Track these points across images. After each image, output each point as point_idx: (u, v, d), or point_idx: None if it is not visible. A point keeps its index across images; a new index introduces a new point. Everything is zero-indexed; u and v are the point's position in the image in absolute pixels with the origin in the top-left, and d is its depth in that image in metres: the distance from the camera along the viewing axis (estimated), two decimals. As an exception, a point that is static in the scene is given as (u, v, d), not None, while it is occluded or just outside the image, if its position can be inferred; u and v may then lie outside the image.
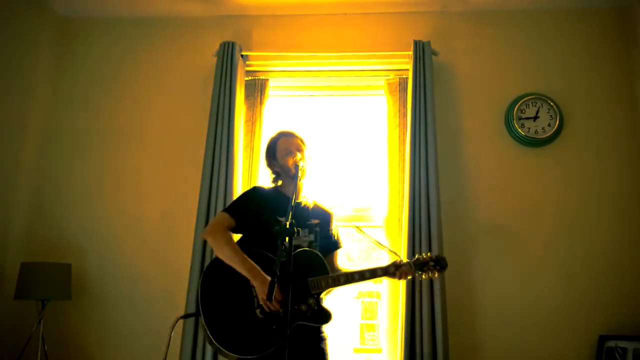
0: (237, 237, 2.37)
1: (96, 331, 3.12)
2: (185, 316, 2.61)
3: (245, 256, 2.17)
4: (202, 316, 2.12)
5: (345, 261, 2.60)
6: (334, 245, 2.48)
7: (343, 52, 3.35)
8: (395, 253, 2.42)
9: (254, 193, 2.45)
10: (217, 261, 2.23)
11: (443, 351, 2.74)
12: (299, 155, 2.38)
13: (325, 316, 2.16)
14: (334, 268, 2.43)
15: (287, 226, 1.88)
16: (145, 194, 3.31)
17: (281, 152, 2.43)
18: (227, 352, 2.07)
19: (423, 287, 2.83)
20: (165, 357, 2.33)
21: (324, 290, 2.18)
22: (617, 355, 2.74)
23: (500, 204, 3.14)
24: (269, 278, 2.08)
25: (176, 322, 2.34)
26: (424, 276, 2.31)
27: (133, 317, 3.12)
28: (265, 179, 3.18)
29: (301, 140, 2.48)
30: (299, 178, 2.25)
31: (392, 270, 2.28)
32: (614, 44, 3.31)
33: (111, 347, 3.08)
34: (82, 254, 3.21)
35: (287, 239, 1.88)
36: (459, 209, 3.13)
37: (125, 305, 3.14)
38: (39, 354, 2.83)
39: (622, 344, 2.76)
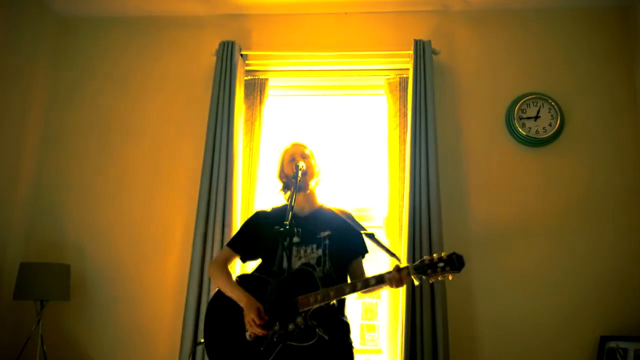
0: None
1: (95, 331, 3.11)
2: (198, 344, 2.75)
3: (235, 283, 2.23)
4: (204, 343, 2.20)
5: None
6: (353, 253, 2.35)
7: (343, 51, 3.34)
8: (397, 257, 2.24)
9: (253, 220, 2.46)
10: (219, 292, 2.29)
11: (443, 352, 2.73)
12: (301, 163, 2.31)
13: (311, 335, 2.06)
14: (358, 277, 2.28)
15: (287, 226, 1.88)
16: (144, 193, 3.30)
17: (286, 160, 2.41)
18: None
19: (423, 287, 2.82)
20: None
21: (314, 307, 2.08)
22: (618, 356, 2.73)
23: (500, 204, 3.13)
24: (255, 302, 2.11)
25: (196, 347, 2.57)
26: (431, 280, 2.09)
27: (132, 318, 3.12)
28: (264, 179, 3.19)
29: (308, 149, 2.43)
30: (298, 178, 2.22)
31: (386, 278, 2.10)
32: (615, 44, 3.31)
33: (110, 347, 3.08)
34: (81, 254, 3.21)
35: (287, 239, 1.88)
36: (460, 208, 3.12)
37: (123, 305, 3.13)
38: (38, 354, 2.83)
39: (623, 344, 2.75)
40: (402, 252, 2.93)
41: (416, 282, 2.15)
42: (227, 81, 3.22)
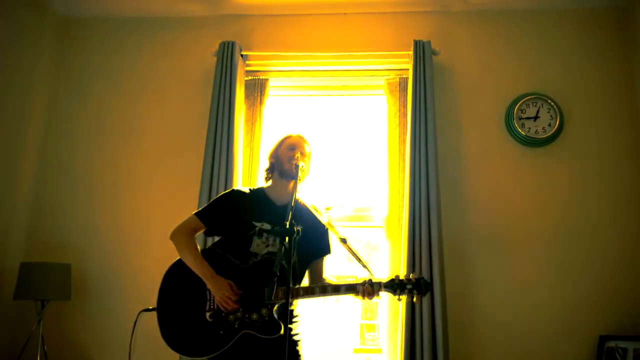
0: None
1: (96, 331, 3.11)
2: (146, 310, 2.50)
3: (203, 260, 2.17)
4: (157, 313, 2.15)
5: (346, 261, 2.49)
6: (320, 252, 2.35)
7: (343, 51, 3.35)
8: (370, 270, 2.21)
9: (229, 196, 2.36)
10: (180, 262, 2.24)
11: (443, 351, 2.74)
12: (299, 156, 2.31)
13: (274, 329, 2.04)
14: (319, 276, 2.33)
15: (287, 226, 1.86)
16: (144, 193, 3.31)
17: (286, 145, 2.38)
18: (171, 348, 2.10)
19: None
20: (130, 348, 2.37)
21: (279, 302, 2.06)
22: (617, 355, 2.74)
23: (500, 204, 3.13)
24: (223, 278, 2.09)
25: (139, 315, 2.35)
26: (398, 297, 2.11)
27: (132, 317, 3.11)
28: (262, 172, 3.18)
29: (310, 149, 2.41)
30: (298, 179, 2.21)
31: (358, 289, 2.10)
32: (614, 44, 3.31)
33: (110, 347, 3.08)
34: (81, 254, 3.21)
35: (287, 239, 1.86)
36: (459, 208, 3.13)
37: (124, 305, 3.13)
38: (39, 354, 2.84)
39: (622, 344, 2.75)
40: (402, 252, 2.94)
41: (378, 298, 2.16)
42: (227, 81, 3.23)
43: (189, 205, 3.13)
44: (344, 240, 2.26)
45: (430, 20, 3.44)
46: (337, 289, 2.13)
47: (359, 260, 2.27)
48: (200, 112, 3.29)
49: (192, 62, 3.49)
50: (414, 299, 2.12)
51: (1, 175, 3.15)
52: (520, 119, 3.21)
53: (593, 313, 2.93)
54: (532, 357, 2.92)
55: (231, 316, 2.07)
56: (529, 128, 3.19)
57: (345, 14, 3.50)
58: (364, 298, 2.11)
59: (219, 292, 2.07)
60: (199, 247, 2.26)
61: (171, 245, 3.16)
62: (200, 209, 2.39)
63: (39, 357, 2.83)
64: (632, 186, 3.10)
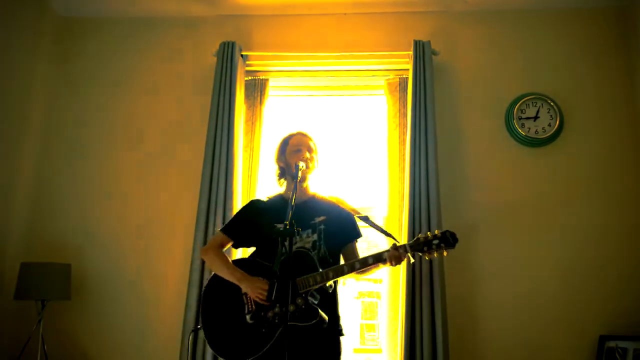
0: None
1: (96, 331, 3.11)
2: (195, 330, 2.77)
3: (234, 266, 2.26)
4: (203, 329, 2.22)
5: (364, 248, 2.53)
6: (348, 236, 2.39)
7: (343, 52, 3.35)
8: (392, 237, 2.28)
9: (249, 207, 2.48)
10: (214, 277, 2.31)
11: (443, 351, 2.74)
12: (307, 154, 2.37)
13: (314, 314, 2.09)
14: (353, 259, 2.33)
15: (287, 226, 1.89)
16: (144, 193, 3.31)
17: (291, 147, 2.43)
18: (222, 358, 2.17)
19: (423, 287, 2.83)
20: None
21: (314, 288, 2.13)
22: (617, 355, 2.74)
23: (500, 204, 3.13)
24: (254, 277, 2.16)
25: (190, 334, 2.55)
26: (426, 257, 2.17)
27: (132, 317, 3.12)
28: (264, 180, 3.19)
29: (313, 142, 2.47)
30: (298, 178, 2.24)
31: (385, 257, 2.16)
32: (614, 44, 3.31)
33: (111, 347, 3.08)
34: (81, 254, 3.21)
35: (287, 239, 1.89)
36: (459, 208, 3.13)
37: (124, 305, 3.14)
38: (39, 354, 2.83)
39: (622, 344, 2.76)
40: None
41: (412, 260, 2.21)
42: (227, 81, 3.23)
43: (189, 205, 3.14)
44: (366, 218, 2.35)
45: (430, 20, 3.44)
46: (364, 262, 2.19)
47: (384, 232, 2.36)
48: (200, 112, 3.30)
49: (192, 62, 3.49)
50: (445, 253, 2.15)
51: (1, 175, 3.15)
52: (520, 119, 3.21)
53: (593, 313, 2.93)
54: (532, 357, 2.92)
55: (270, 313, 2.11)
56: (529, 128, 3.19)
57: (345, 14, 3.50)
58: (393, 264, 2.16)
59: (252, 288, 2.13)
60: (229, 258, 2.36)
61: (170, 244, 3.19)
62: (224, 224, 2.52)
63: (39, 357, 2.83)
64: (632, 186, 3.10)
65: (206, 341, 2.21)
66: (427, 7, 3.43)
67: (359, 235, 2.44)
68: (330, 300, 2.25)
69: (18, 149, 3.29)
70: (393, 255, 2.15)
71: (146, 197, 3.30)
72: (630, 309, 2.91)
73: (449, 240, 2.15)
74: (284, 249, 1.88)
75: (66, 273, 2.98)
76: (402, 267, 2.89)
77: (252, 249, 2.45)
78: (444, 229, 2.95)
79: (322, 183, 2.51)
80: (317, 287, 2.13)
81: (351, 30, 3.47)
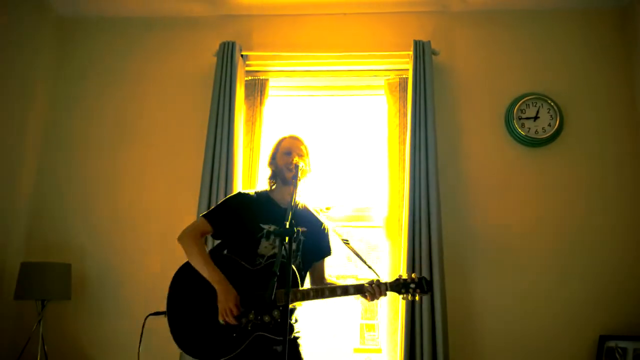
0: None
1: (96, 331, 3.11)
2: (155, 313, 2.51)
3: (213, 265, 2.17)
4: (167, 317, 2.16)
5: (345, 262, 2.53)
6: (322, 253, 2.39)
7: (343, 52, 3.35)
8: (375, 272, 2.28)
9: (236, 199, 2.39)
10: (188, 264, 2.24)
11: (443, 351, 2.74)
12: (297, 158, 2.32)
13: (288, 330, 2.01)
14: (320, 277, 2.37)
15: (287, 226, 1.87)
16: (144, 194, 3.31)
17: (282, 150, 2.41)
18: (184, 353, 2.12)
19: (423, 287, 2.83)
20: (138, 353, 2.35)
21: (291, 303, 2.09)
22: (617, 355, 2.74)
23: (500, 204, 3.14)
24: (232, 289, 2.09)
25: (146, 319, 2.36)
26: (402, 297, 2.20)
27: (132, 317, 3.11)
28: (264, 179, 3.18)
29: (305, 147, 2.42)
30: (298, 178, 2.22)
31: (365, 290, 2.15)
32: (614, 44, 3.31)
33: (110, 347, 3.08)
34: (82, 254, 3.22)
35: (287, 239, 1.87)
36: (459, 208, 3.13)
37: (124, 305, 3.14)
38: (39, 354, 2.83)
39: (622, 344, 2.76)
40: (402, 252, 2.94)
41: (384, 297, 2.22)
42: (227, 81, 3.23)
43: (189, 205, 3.14)
44: (346, 242, 2.32)
45: (430, 20, 3.44)
46: (345, 290, 2.18)
47: (363, 261, 2.33)
48: (200, 112, 3.30)
49: (192, 62, 3.49)
50: (417, 298, 2.19)
51: (1, 175, 3.15)
52: (520, 119, 3.21)
53: (593, 313, 2.93)
54: (532, 357, 2.92)
55: (243, 319, 2.08)
56: (529, 128, 3.19)
57: (345, 14, 3.50)
58: (371, 299, 2.18)
59: (225, 302, 2.07)
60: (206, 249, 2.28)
61: (170, 244, 3.17)
62: (207, 211, 2.41)
63: (39, 357, 2.83)
64: (632, 186, 3.10)
65: (170, 329, 2.14)
66: (427, 7, 3.43)
67: (330, 253, 2.43)
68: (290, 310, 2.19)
69: (18, 149, 3.29)
70: (375, 291, 2.15)
71: (146, 197, 3.30)
72: (630, 309, 2.91)
73: (423, 287, 2.19)
74: (283, 249, 1.87)
75: (66, 273, 2.98)
76: (403, 267, 2.90)
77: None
78: (444, 229, 2.99)
79: (311, 191, 2.45)
80: (295, 303, 2.11)
81: (351, 30, 3.48)
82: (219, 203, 2.45)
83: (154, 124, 3.42)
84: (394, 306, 2.96)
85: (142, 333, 2.36)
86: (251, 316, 2.08)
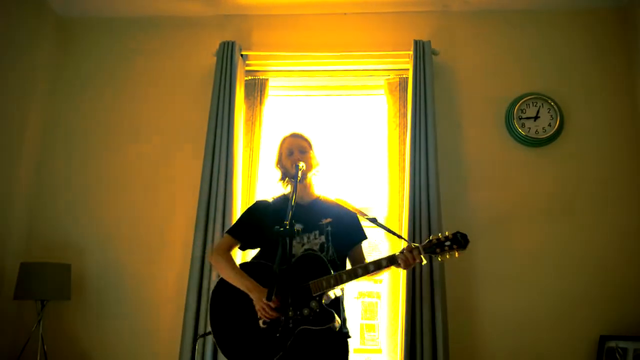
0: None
1: (96, 331, 3.11)
2: (203, 335, 2.74)
3: (243, 272, 2.23)
4: (212, 334, 2.21)
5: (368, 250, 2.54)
6: (356, 238, 2.42)
7: (343, 52, 3.35)
8: (404, 238, 2.28)
9: (255, 209, 2.48)
10: (223, 281, 2.30)
11: (443, 351, 2.74)
12: (299, 155, 2.37)
13: (329, 318, 2.10)
14: (360, 262, 2.34)
15: (287, 226, 1.89)
16: (144, 193, 3.31)
17: (284, 152, 2.44)
18: None
19: (423, 287, 2.83)
20: None
21: (327, 291, 2.14)
22: (617, 355, 2.74)
23: (500, 204, 3.13)
24: (263, 290, 2.12)
25: (196, 341, 2.54)
26: (439, 258, 2.20)
27: (132, 318, 3.12)
28: (264, 179, 3.19)
29: (307, 141, 2.45)
30: (298, 178, 2.24)
31: (398, 259, 2.17)
32: (614, 44, 3.31)
33: (110, 347, 3.08)
34: (81, 254, 3.21)
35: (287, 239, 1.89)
36: (459, 208, 3.13)
37: (124, 305, 3.14)
38: (39, 354, 2.83)
39: (622, 344, 2.75)
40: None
41: (424, 262, 2.23)
42: (227, 81, 3.23)
43: (188, 205, 3.14)
44: (374, 220, 2.37)
45: (430, 20, 3.44)
46: (378, 265, 2.19)
47: (394, 233, 2.39)
48: (200, 112, 3.29)
49: (192, 62, 3.49)
50: (457, 254, 2.18)
51: (1, 175, 3.15)
52: (520, 119, 3.21)
53: (593, 313, 2.93)
54: (532, 357, 2.92)
55: (283, 317, 2.10)
56: (529, 128, 3.19)
57: (345, 14, 3.50)
58: (405, 267, 2.18)
59: (260, 301, 2.10)
60: (236, 262, 2.34)
61: (171, 244, 3.19)
62: (230, 227, 2.50)
63: (39, 357, 2.83)
64: (632, 186, 3.10)
65: (217, 346, 2.19)
66: (427, 7, 3.43)
67: (364, 237, 2.46)
68: (337, 303, 2.24)
69: (18, 149, 3.29)
70: (406, 257, 2.16)
71: (146, 197, 3.30)
72: (630, 309, 2.91)
73: (460, 242, 2.19)
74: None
75: (66, 273, 2.98)
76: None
77: (257, 250, 2.44)
78: (444, 229, 2.98)
79: (326, 185, 2.51)
80: (330, 290, 2.13)
81: (351, 30, 3.47)
82: (240, 217, 2.53)
83: (153, 123, 3.42)
84: (394, 306, 2.96)
85: (192, 356, 2.56)
86: (290, 313, 2.11)
